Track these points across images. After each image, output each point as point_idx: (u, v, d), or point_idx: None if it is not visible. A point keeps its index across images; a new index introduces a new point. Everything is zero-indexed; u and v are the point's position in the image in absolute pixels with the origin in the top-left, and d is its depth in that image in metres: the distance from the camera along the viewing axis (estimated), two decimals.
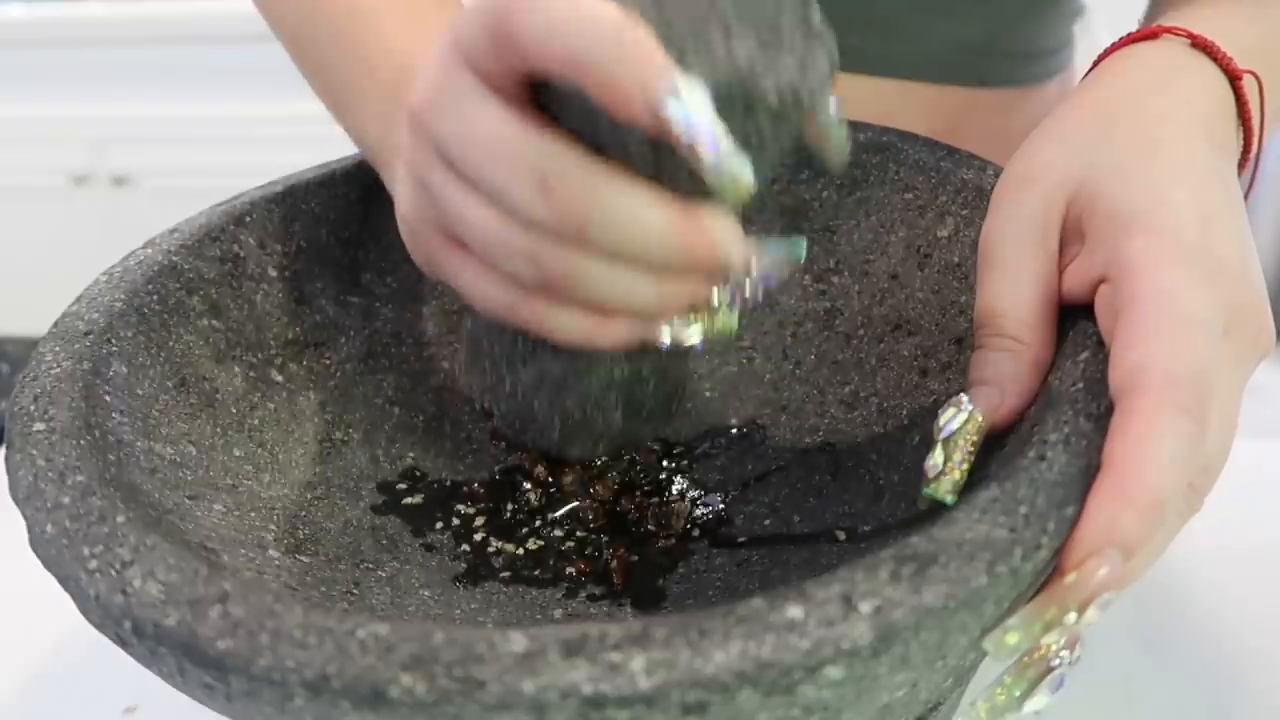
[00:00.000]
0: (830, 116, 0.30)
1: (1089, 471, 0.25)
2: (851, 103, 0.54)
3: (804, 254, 0.31)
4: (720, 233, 0.29)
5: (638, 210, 0.28)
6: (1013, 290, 0.31)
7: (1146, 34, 0.35)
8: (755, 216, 0.44)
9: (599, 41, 0.26)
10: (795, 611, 0.22)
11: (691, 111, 0.25)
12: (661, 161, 0.28)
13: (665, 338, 0.31)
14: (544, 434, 0.37)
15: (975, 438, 0.30)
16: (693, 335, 0.31)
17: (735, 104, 0.28)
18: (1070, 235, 0.31)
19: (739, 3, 0.28)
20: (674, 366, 0.37)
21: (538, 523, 0.39)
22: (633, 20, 0.26)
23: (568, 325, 0.31)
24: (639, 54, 0.25)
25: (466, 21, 0.28)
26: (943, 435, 0.30)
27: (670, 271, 0.29)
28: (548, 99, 0.29)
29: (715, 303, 0.31)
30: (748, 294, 0.31)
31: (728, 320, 0.32)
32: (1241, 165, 0.35)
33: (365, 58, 0.39)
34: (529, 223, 0.28)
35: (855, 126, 0.42)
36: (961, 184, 0.38)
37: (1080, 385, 0.28)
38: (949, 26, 0.53)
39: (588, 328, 0.31)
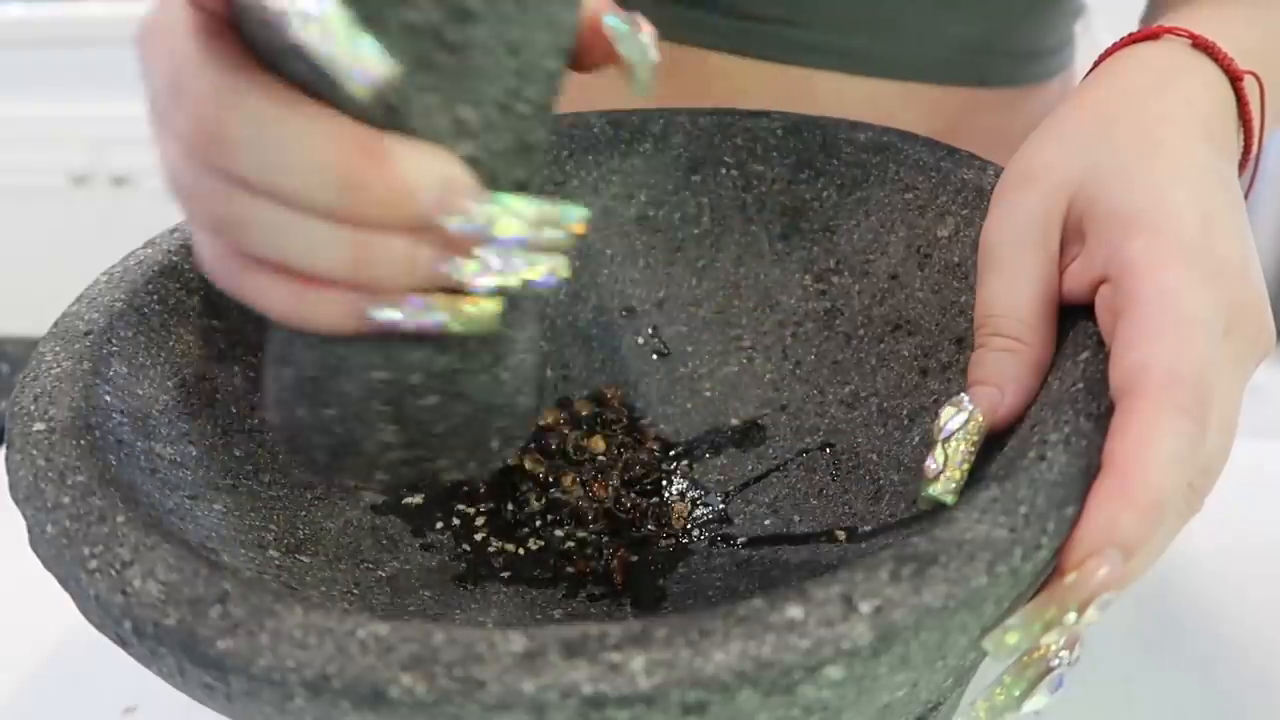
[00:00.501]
0: (627, 32, 0.26)
1: (1089, 472, 0.25)
2: (853, 104, 0.54)
3: (581, 220, 0.24)
4: (408, 159, 0.22)
5: (285, 128, 0.22)
6: (1013, 290, 0.31)
7: (1147, 34, 0.35)
8: (755, 216, 0.44)
9: None
10: (795, 611, 0.22)
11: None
12: (319, 79, 0.22)
13: (389, 316, 0.24)
14: (311, 450, 0.29)
15: (975, 438, 0.30)
16: (430, 316, 0.24)
17: None
18: (1070, 235, 0.31)
19: None
20: (473, 382, 0.28)
21: (538, 523, 0.39)
22: None
23: (267, 293, 0.24)
24: None
25: None
26: (943, 435, 0.30)
27: (360, 222, 0.23)
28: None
29: (457, 277, 0.24)
30: (506, 266, 0.24)
31: (486, 305, 0.25)
32: (1242, 165, 0.35)
33: None
34: (199, 158, 0.23)
35: (856, 126, 0.42)
36: (962, 184, 0.38)
37: (1080, 385, 0.28)
38: (951, 26, 0.53)
39: (287, 295, 0.24)
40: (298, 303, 0.24)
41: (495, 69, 0.24)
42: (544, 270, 0.24)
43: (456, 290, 0.24)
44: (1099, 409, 0.27)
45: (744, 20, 0.54)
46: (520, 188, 0.26)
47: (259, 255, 0.24)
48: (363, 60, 0.21)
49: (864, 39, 0.53)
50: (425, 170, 0.23)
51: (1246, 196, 0.35)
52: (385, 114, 0.23)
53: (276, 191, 0.23)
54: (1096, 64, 0.36)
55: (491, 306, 0.25)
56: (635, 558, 0.37)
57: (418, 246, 0.24)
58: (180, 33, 0.23)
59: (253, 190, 0.23)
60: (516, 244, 0.24)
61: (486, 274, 0.24)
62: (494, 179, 0.25)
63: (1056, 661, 0.24)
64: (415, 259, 0.24)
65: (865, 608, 0.22)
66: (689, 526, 0.39)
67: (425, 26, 0.23)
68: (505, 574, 0.37)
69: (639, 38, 0.27)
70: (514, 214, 0.24)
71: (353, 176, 0.22)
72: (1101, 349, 0.29)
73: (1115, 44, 0.36)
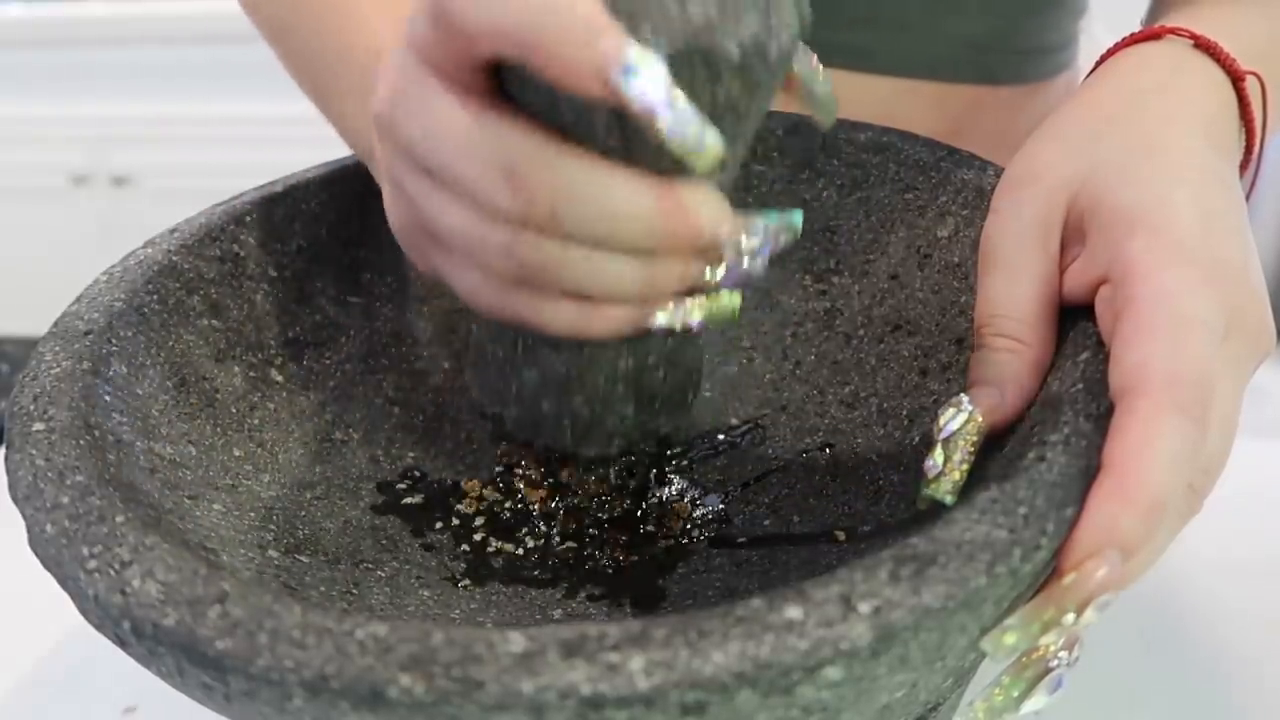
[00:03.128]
0: (811, 71, 0.29)
1: (1088, 472, 0.25)
2: (858, 103, 0.54)
3: (800, 224, 0.29)
4: (701, 207, 0.27)
5: (607, 192, 0.27)
6: (1013, 290, 0.31)
7: (1149, 34, 0.35)
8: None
9: (542, 15, 0.24)
10: (794, 612, 0.21)
11: (646, 81, 0.24)
12: (631, 138, 0.27)
13: (662, 322, 0.30)
14: (556, 435, 0.35)
15: (975, 438, 0.30)
16: (692, 317, 0.30)
17: (696, 67, 0.26)
18: (1071, 236, 0.31)
19: None
20: (685, 352, 0.35)
21: (537, 523, 0.39)
22: None
23: (556, 317, 0.29)
24: (585, 25, 0.24)
25: (414, 17, 0.27)
26: (943, 435, 0.30)
27: (653, 253, 0.28)
28: (509, 83, 0.28)
29: (711, 281, 0.29)
30: (745, 268, 0.29)
31: (729, 300, 0.30)
32: (1243, 166, 0.35)
33: (343, 45, 0.39)
34: (500, 215, 0.27)
35: (856, 126, 0.42)
36: (962, 184, 0.38)
37: (1080, 386, 0.28)
38: (957, 24, 0.53)
39: (577, 317, 0.29)
40: (585, 320, 0.29)
41: (747, 126, 0.29)
42: (782, 240, 0.29)
43: (703, 289, 0.30)
44: (1099, 410, 0.27)
45: None
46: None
47: (566, 289, 0.28)
48: (708, 146, 0.25)
49: (869, 36, 0.53)
50: (713, 212, 0.28)
51: (1248, 197, 0.35)
52: (676, 165, 0.27)
53: (592, 238, 0.27)
54: (1098, 64, 0.36)
55: (737, 300, 0.30)
56: (635, 558, 0.37)
57: (693, 264, 0.29)
58: (452, 111, 0.27)
59: (566, 238, 0.27)
60: (763, 252, 0.29)
61: (735, 275, 0.29)
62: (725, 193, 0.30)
63: (1055, 662, 0.24)
64: (689, 274, 0.29)
65: (864, 608, 0.22)
66: (688, 526, 0.39)
67: (727, 103, 0.28)
68: (505, 574, 0.37)
69: (821, 82, 0.30)
70: (759, 229, 0.29)
71: (665, 226, 0.27)
72: (1101, 350, 0.29)
73: (1117, 44, 0.36)
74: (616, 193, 0.27)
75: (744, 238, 0.29)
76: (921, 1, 0.52)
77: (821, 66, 0.30)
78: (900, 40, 0.53)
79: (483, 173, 0.27)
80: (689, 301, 0.30)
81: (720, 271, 0.29)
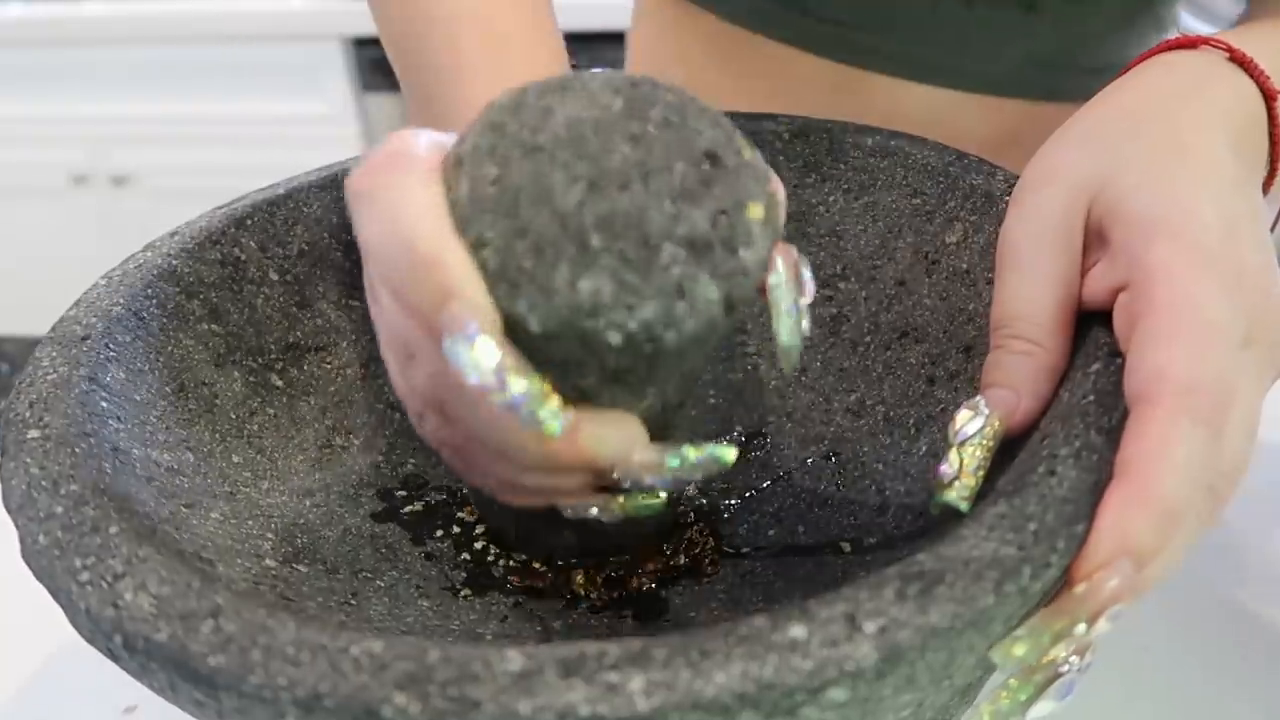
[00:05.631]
0: (785, 313, 0.29)
1: (1100, 487, 0.24)
2: (908, 109, 0.54)
3: (732, 459, 0.29)
4: (597, 444, 0.28)
5: (504, 433, 0.28)
6: (1031, 292, 0.31)
7: (1184, 42, 0.35)
8: None
9: (402, 263, 0.26)
10: (798, 631, 0.21)
11: (467, 362, 0.25)
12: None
13: (580, 513, 0.30)
14: (510, 541, 0.37)
15: (991, 443, 0.29)
16: (613, 512, 0.30)
17: (572, 340, 0.26)
18: (1092, 240, 0.31)
19: (620, 210, 0.25)
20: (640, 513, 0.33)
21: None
22: (443, 242, 0.26)
23: (480, 481, 0.32)
24: (436, 281, 0.26)
25: None
26: (958, 439, 0.29)
27: (552, 469, 0.29)
28: None
29: (626, 487, 0.30)
30: (657, 487, 0.29)
31: (649, 502, 0.30)
32: (1268, 185, 0.34)
33: (449, 106, 0.40)
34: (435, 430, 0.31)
35: (863, 130, 0.42)
36: (970, 189, 0.38)
37: (1091, 398, 0.27)
38: (1022, 43, 0.52)
39: (493, 488, 0.31)
40: (505, 494, 0.31)
41: (683, 365, 0.30)
42: (697, 475, 0.29)
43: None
44: (1110, 422, 0.26)
45: (806, 17, 0.53)
46: (682, 405, 0.33)
47: (474, 466, 0.31)
48: (544, 426, 0.26)
49: (929, 49, 0.52)
50: (606, 443, 0.28)
51: (1275, 224, 0.34)
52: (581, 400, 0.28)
53: (485, 446, 0.29)
54: (1129, 67, 0.35)
55: (656, 502, 0.30)
56: (638, 569, 0.37)
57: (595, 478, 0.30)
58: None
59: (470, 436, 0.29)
60: (674, 480, 0.29)
61: (656, 485, 0.29)
62: (666, 414, 0.32)
63: (1066, 668, 0.23)
64: (589, 486, 0.30)
65: (870, 628, 0.21)
66: (692, 537, 0.38)
67: (623, 370, 0.28)
68: (506, 584, 0.36)
69: (793, 317, 0.30)
70: (675, 462, 0.29)
71: (549, 457, 0.28)
72: (1113, 360, 0.28)
73: (1151, 49, 0.35)
74: (510, 436, 0.28)
75: (658, 466, 0.29)
76: (988, 23, 0.51)
77: (803, 309, 0.30)
78: (960, 55, 0.52)
79: (420, 409, 0.31)
80: (612, 498, 0.30)
81: (641, 479, 0.29)
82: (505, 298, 0.26)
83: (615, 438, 0.29)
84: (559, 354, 0.27)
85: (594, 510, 0.30)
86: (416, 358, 0.29)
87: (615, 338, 0.26)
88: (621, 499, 0.30)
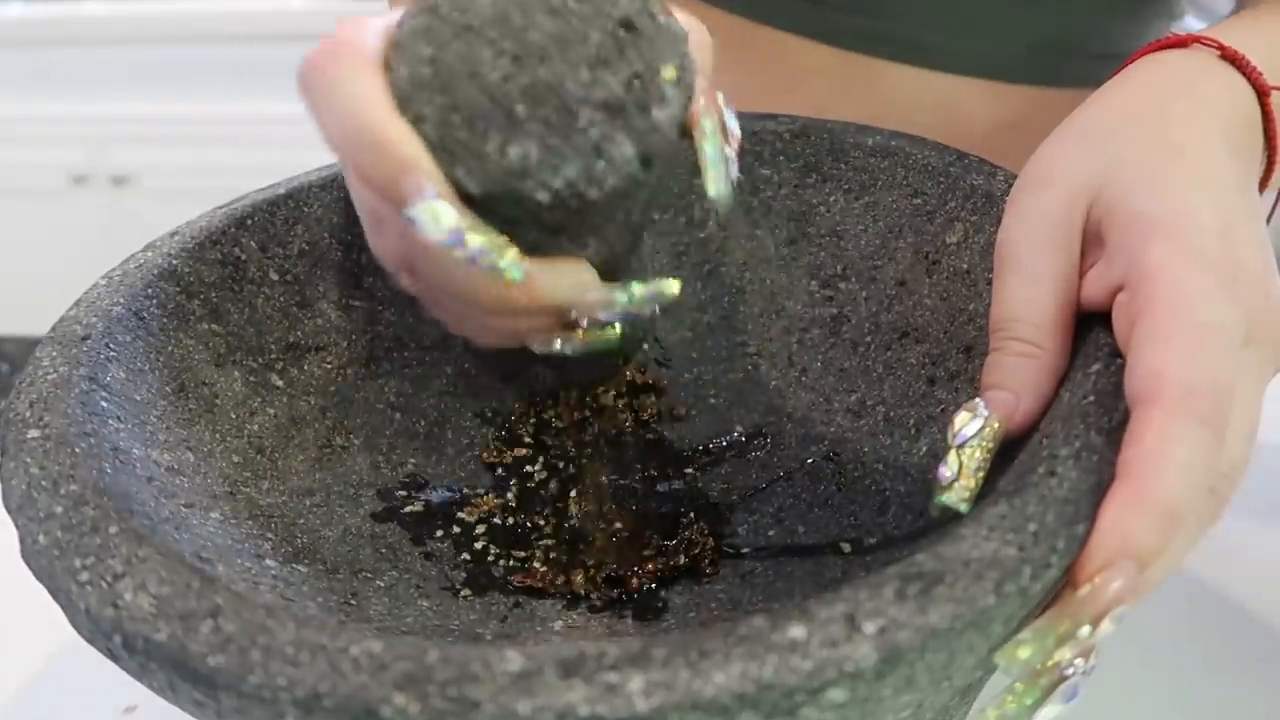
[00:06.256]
0: (711, 147, 0.31)
1: (1100, 488, 0.24)
2: (918, 97, 0.54)
3: (676, 291, 0.31)
4: (550, 288, 0.30)
5: (469, 283, 0.30)
6: (1030, 294, 0.31)
7: (1175, 41, 0.35)
8: (761, 220, 0.43)
9: (359, 151, 0.29)
10: (798, 631, 0.21)
11: (430, 223, 0.28)
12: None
13: (543, 348, 0.33)
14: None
15: (991, 444, 0.29)
16: (574, 346, 0.33)
17: (507, 204, 0.29)
18: (1090, 241, 0.31)
19: (541, 81, 0.28)
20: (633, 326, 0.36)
21: (540, 530, 0.39)
22: (389, 123, 0.29)
23: (455, 328, 0.34)
24: (388, 158, 0.29)
25: None
26: (957, 441, 0.29)
27: (513, 312, 0.31)
28: None
29: (584, 324, 0.32)
30: (612, 321, 0.32)
31: (606, 335, 0.33)
32: (1264, 183, 0.34)
33: None
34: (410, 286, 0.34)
35: (863, 130, 0.42)
36: (971, 189, 0.38)
37: (1091, 398, 0.27)
38: (1029, 25, 0.52)
39: (469, 332, 0.34)
40: (480, 337, 0.34)
41: (615, 216, 0.32)
42: (646, 309, 0.32)
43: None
44: (1110, 423, 0.26)
45: (808, 4, 0.53)
46: (630, 262, 0.35)
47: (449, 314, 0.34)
48: (504, 272, 0.29)
49: (937, 34, 0.52)
50: (560, 286, 0.31)
51: (1270, 218, 0.34)
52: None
53: (454, 297, 0.32)
54: (1122, 67, 0.35)
55: (613, 334, 0.32)
56: (636, 569, 0.37)
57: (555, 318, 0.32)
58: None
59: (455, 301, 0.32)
60: (625, 314, 0.32)
61: (607, 320, 0.32)
62: (616, 262, 0.34)
63: (1070, 670, 0.23)
64: (551, 324, 0.32)
65: (869, 628, 0.21)
66: (692, 537, 0.38)
67: (557, 226, 0.31)
68: (506, 584, 0.36)
69: (719, 167, 0.32)
70: (624, 298, 0.32)
71: (512, 302, 0.30)
72: (1114, 361, 0.28)
73: (1143, 49, 0.35)
74: (475, 286, 0.30)
75: (611, 303, 0.32)
76: (991, 5, 0.51)
77: (730, 157, 0.32)
78: (968, 39, 0.52)
79: (394, 269, 0.33)
80: (572, 333, 0.33)
81: (596, 317, 0.32)
82: (445, 166, 0.29)
83: (568, 281, 0.31)
84: (498, 214, 0.30)
85: (558, 345, 0.33)
86: (384, 225, 0.32)
87: (544, 196, 0.29)
88: (581, 332, 0.32)
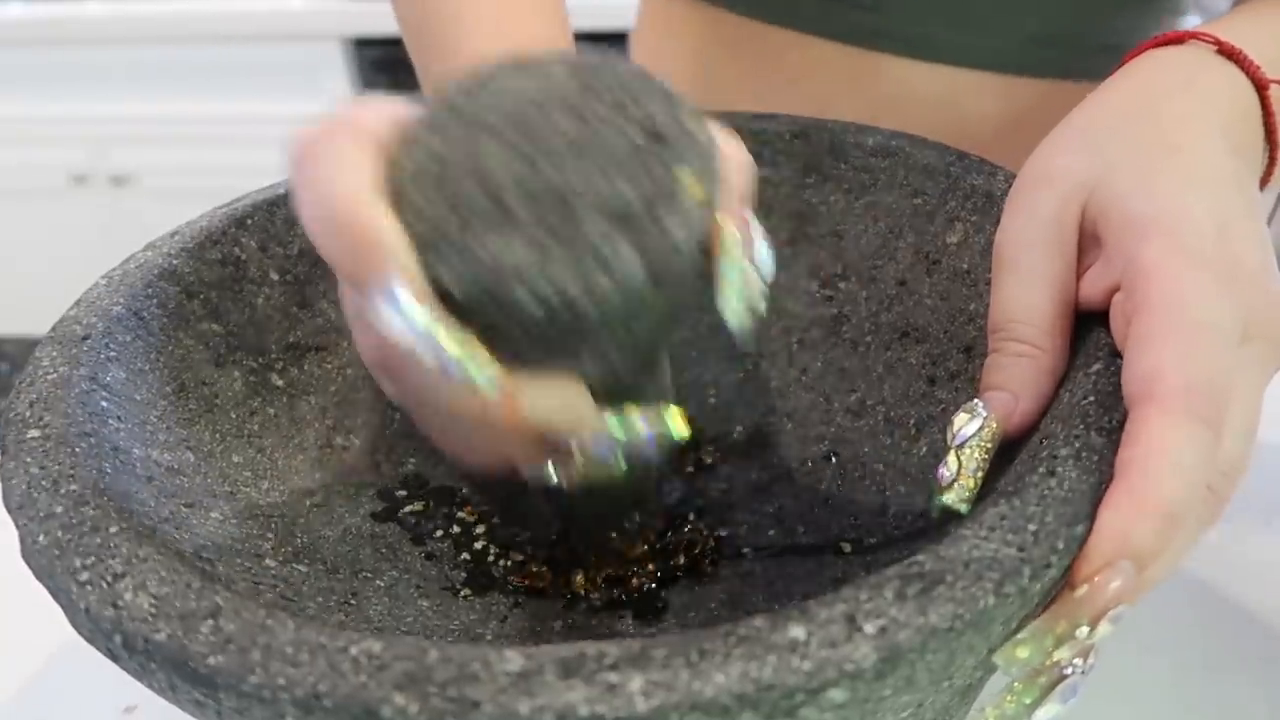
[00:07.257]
0: (738, 282, 0.28)
1: (1100, 488, 0.24)
2: (922, 90, 0.54)
3: (681, 437, 0.29)
4: (533, 410, 0.28)
5: (450, 392, 0.28)
6: (1028, 295, 0.31)
7: (1171, 38, 0.35)
8: (762, 220, 0.43)
9: (327, 226, 0.27)
10: (797, 631, 0.21)
11: (393, 320, 0.26)
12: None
13: (539, 475, 0.31)
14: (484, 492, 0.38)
15: (990, 445, 0.29)
16: (560, 479, 0.30)
17: (492, 310, 0.26)
18: (1087, 240, 0.31)
19: (549, 184, 0.26)
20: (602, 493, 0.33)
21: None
22: (365, 206, 0.26)
23: (439, 443, 0.32)
24: (358, 241, 0.26)
25: None
26: (956, 442, 0.29)
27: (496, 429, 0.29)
28: None
29: (576, 454, 0.30)
30: (601, 456, 0.30)
31: (602, 466, 0.30)
32: (1266, 177, 0.34)
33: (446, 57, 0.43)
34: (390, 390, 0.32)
35: (864, 130, 0.42)
36: (971, 189, 0.38)
37: (1091, 398, 0.27)
38: (1031, 18, 0.52)
39: (452, 449, 0.32)
40: (464, 455, 0.32)
41: (617, 336, 0.29)
42: (645, 447, 0.30)
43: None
44: (1110, 423, 0.26)
45: (820, 1, 0.53)
46: (641, 388, 0.32)
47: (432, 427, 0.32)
48: (474, 381, 0.26)
49: (940, 28, 0.52)
50: (545, 407, 0.28)
51: (1270, 219, 0.34)
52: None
53: (434, 409, 0.30)
54: (1120, 65, 0.35)
55: (615, 467, 0.30)
56: (636, 568, 0.37)
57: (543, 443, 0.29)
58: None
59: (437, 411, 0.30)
60: (616, 448, 0.29)
61: (602, 453, 0.29)
62: (621, 386, 0.31)
63: (1070, 670, 0.23)
64: (540, 449, 0.30)
65: (869, 628, 0.21)
66: (692, 537, 0.38)
67: (547, 338, 0.28)
68: (506, 584, 0.36)
69: (736, 287, 0.29)
70: (618, 429, 0.29)
71: (490, 419, 0.28)
72: (1113, 361, 0.28)
73: (1139, 46, 0.35)
74: (450, 397, 0.28)
75: (596, 436, 0.29)
76: None
77: (750, 276, 0.29)
78: (971, 32, 0.52)
79: (376, 373, 0.31)
80: (570, 462, 0.30)
81: (587, 446, 0.30)
82: (429, 264, 0.26)
83: (553, 402, 0.29)
84: (485, 322, 0.27)
85: (550, 473, 0.30)
86: (361, 322, 0.30)
87: (533, 306, 0.26)
88: (580, 464, 0.30)
